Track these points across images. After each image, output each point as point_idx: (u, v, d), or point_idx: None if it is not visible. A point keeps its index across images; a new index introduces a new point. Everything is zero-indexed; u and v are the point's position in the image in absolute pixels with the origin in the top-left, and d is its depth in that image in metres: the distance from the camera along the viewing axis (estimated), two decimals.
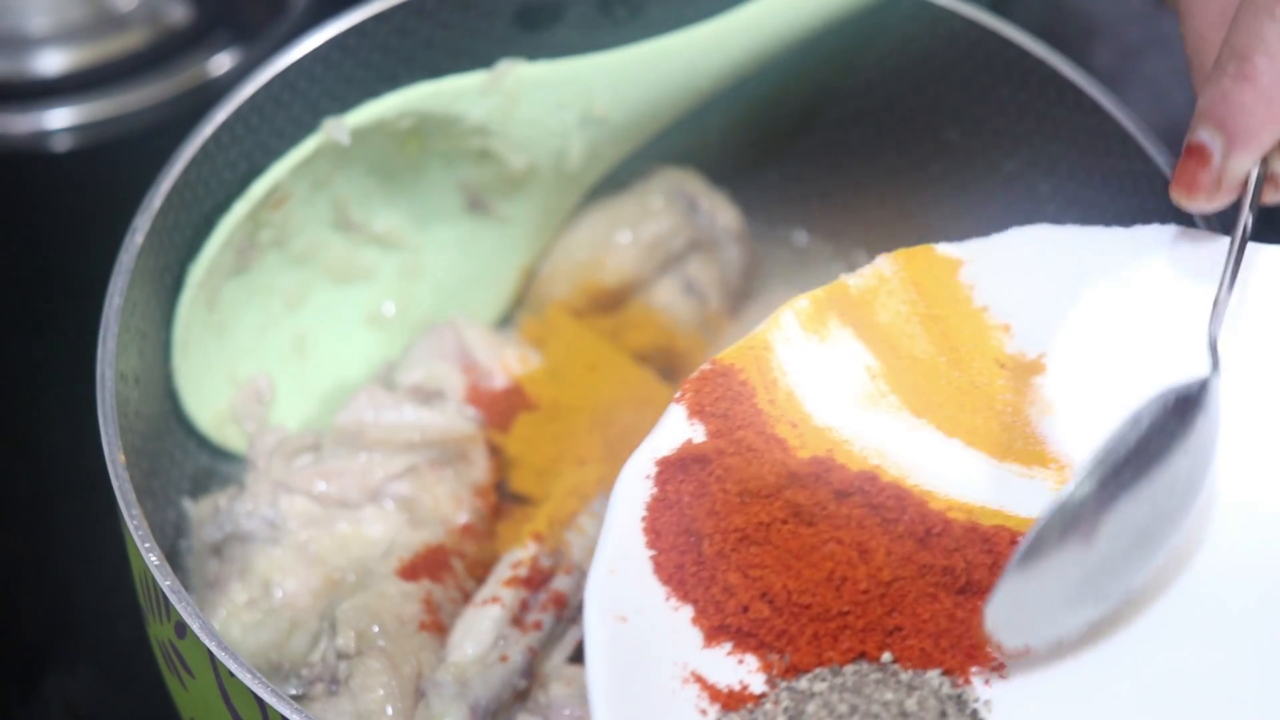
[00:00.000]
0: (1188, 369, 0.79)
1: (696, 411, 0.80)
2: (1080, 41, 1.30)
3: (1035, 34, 1.00)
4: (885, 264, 0.84)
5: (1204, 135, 0.78)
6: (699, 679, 0.75)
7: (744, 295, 1.09)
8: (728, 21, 1.00)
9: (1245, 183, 0.79)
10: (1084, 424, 0.81)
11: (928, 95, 1.05)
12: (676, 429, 0.79)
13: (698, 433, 0.79)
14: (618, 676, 0.73)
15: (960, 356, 0.83)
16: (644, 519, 0.77)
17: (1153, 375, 0.80)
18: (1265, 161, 0.79)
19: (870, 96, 1.07)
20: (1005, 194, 1.05)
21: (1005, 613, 0.74)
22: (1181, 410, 0.75)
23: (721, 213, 1.07)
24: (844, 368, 0.82)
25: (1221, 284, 0.79)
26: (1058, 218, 1.03)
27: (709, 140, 1.10)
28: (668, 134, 1.04)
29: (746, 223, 1.09)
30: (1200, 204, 0.80)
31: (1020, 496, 0.79)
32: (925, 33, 1.03)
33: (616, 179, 1.06)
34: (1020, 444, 0.81)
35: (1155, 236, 0.84)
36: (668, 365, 1.05)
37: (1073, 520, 0.73)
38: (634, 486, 0.78)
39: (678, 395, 0.80)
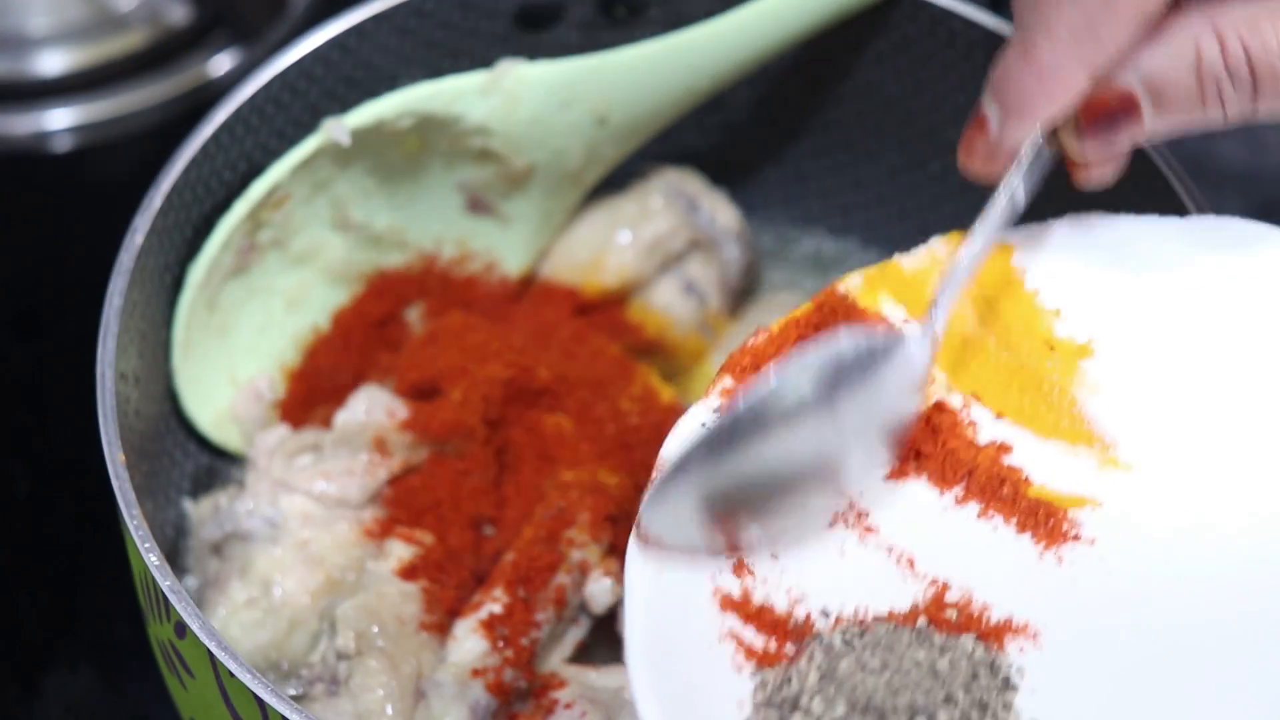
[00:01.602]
0: (1234, 360, 0.82)
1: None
2: None
3: None
4: (939, 245, 0.86)
5: (986, 106, 0.82)
6: (735, 637, 0.76)
7: (744, 295, 1.09)
8: (728, 21, 1.00)
9: (1019, 153, 0.82)
10: (1130, 404, 0.82)
11: (928, 95, 1.05)
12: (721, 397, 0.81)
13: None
14: (654, 633, 0.74)
15: (1010, 338, 0.84)
16: None
17: (1199, 361, 0.83)
18: (1060, 141, 0.82)
19: (870, 96, 1.07)
20: None
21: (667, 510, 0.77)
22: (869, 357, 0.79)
23: (721, 213, 1.07)
24: None
25: (966, 243, 0.82)
26: (1057, 218, 1.03)
27: (709, 140, 1.10)
28: (668, 134, 1.04)
29: (746, 222, 1.09)
30: (977, 169, 0.83)
31: (1063, 473, 0.81)
32: (925, 33, 1.03)
33: (616, 179, 1.06)
34: (1066, 423, 0.83)
35: (1207, 227, 0.85)
36: (668, 365, 1.05)
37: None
38: (684, 444, 0.78)
39: (725, 364, 0.82)
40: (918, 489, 0.81)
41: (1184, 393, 0.83)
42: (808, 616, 0.77)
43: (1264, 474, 0.81)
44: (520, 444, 0.98)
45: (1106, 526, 0.80)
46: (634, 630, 0.74)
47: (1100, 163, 0.83)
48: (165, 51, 1.26)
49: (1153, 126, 0.80)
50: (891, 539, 0.79)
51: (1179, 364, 0.83)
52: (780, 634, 0.76)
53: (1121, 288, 0.85)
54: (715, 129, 1.10)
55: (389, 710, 0.88)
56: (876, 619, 0.77)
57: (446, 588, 0.93)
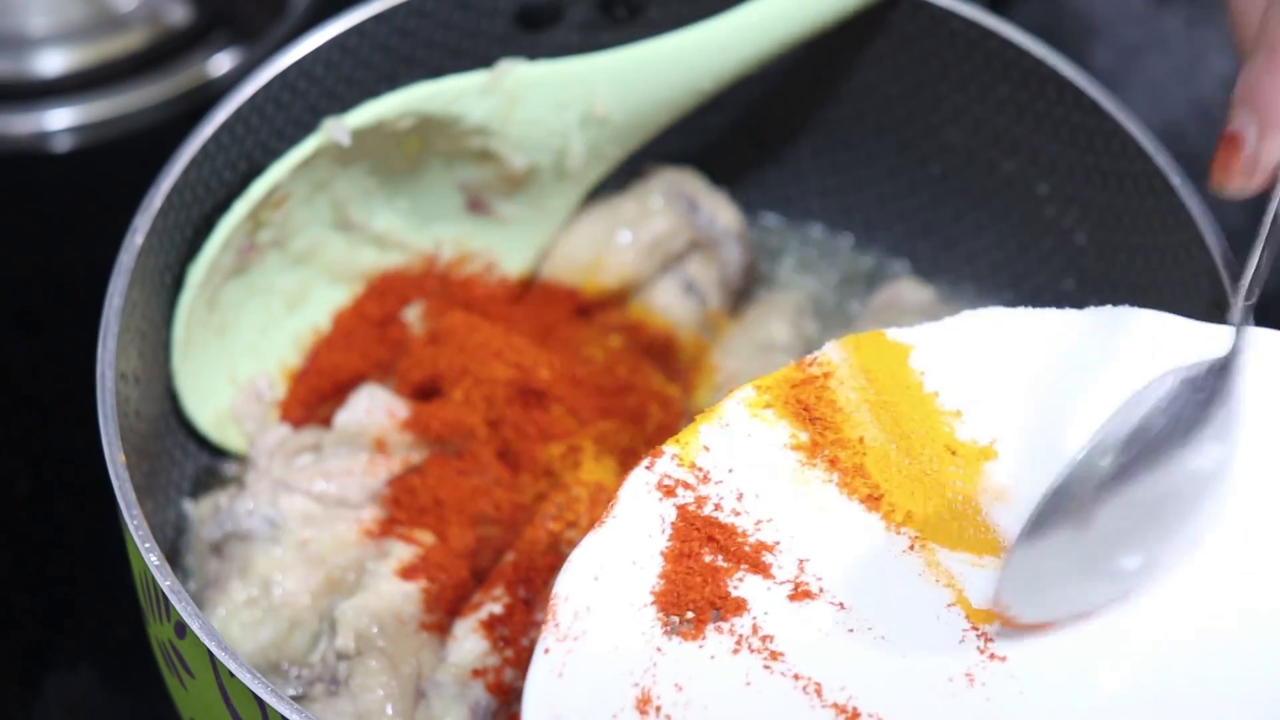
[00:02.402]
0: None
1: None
2: (1080, 41, 1.30)
3: (1035, 34, 1.01)
4: (834, 351, 0.83)
5: (1238, 122, 0.80)
6: None
7: (744, 295, 1.09)
8: (728, 21, 1.00)
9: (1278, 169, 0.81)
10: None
11: (928, 95, 1.05)
12: (627, 521, 0.79)
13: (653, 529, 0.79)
14: None
15: (911, 444, 0.81)
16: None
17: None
18: None
19: (870, 96, 1.07)
20: (1005, 194, 1.05)
21: (1018, 585, 0.75)
22: (1194, 391, 0.76)
23: (721, 213, 1.07)
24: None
25: (1251, 257, 0.79)
26: (1057, 218, 1.04)
27: (709, 140, 1.10)
28: (668, 134, 1.04)
29: (746, 222, 1.09)
30: (1235, 188, 0.82)
31: (971, 586, 0.79)
32: (925, 33, 1.03)
33: (616, 179, 1.07)
34: (971, 532, 0.80)
35: (1108, 319, 0.83)
36: (668, 365, 1.05)
37: (1076, 495, 0.74)
38: (581, 583, 0.77)
39: (629, 482, 0.79)
40: (821, 609, 0.78)
41: None
42: None
43: (1174, 580, 0.77)
44: (520, 444, 0.98)
45: (1017, 642, 0.77)
46: None
47: None
48: (165, 51, 1.26)
49: None
50: (797, 665, 0.76)
51: None
52: None
53: (1022, 384, 0.82)
54: (715, 129, 1.10)
55: (389, 710, 0.88)
56: None
57: (446, 588, 0.93)
